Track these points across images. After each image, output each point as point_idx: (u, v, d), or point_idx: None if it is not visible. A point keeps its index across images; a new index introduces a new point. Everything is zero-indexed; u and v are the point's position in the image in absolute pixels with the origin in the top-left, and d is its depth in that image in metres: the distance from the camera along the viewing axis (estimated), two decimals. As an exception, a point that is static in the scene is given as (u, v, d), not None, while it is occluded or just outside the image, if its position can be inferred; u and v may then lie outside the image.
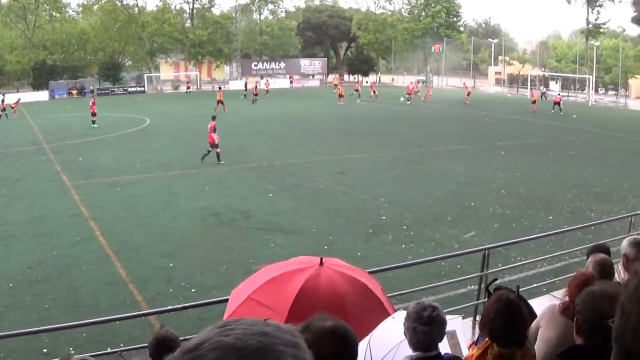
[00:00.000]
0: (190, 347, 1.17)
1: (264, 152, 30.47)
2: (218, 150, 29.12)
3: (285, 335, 1.20)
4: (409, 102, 64.67)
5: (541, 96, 67.60)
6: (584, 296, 3.42)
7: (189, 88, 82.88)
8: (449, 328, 6.42)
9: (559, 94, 62.29)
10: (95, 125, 42.81)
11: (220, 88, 60.52)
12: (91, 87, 78.92)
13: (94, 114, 43.48)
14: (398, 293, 9.73)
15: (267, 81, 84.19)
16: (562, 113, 54.46)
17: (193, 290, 13.82)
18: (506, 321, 4.51)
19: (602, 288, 3.48)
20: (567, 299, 5.35)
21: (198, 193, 23.54)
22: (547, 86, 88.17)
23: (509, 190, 23.86)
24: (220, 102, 53.17)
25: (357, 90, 71.59)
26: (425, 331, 4.27)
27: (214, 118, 30.09)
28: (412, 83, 78.09)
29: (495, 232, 18.25)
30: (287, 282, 5.21)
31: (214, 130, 29.23)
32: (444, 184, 24.94)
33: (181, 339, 5.72)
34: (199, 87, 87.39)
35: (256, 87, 67.10)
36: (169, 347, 5.41)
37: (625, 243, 6.83)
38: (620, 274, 7.33)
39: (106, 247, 17.09)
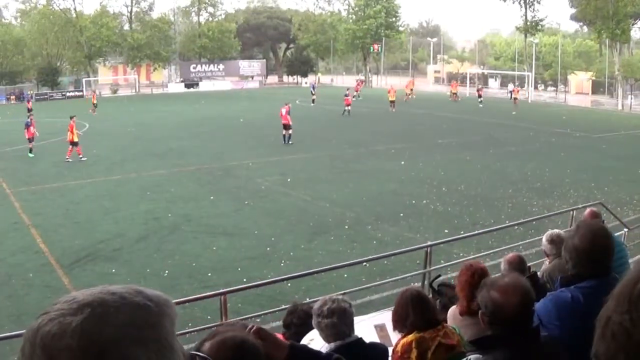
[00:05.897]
0: None
1: (203, 155, 30.21)
2: (290, 131, 34.96)
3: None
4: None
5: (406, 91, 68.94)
6: (480, 289, 3.56)
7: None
8: (378, 321, 6.54)
9: (480, 86, 65.86)
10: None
11: (94, 91, 66.71)
12: (28, 92, 77.08)
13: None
14: (342, 292, 9.71)
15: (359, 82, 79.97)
16: (481, 105, 58.89)
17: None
18: (420, 310, 4.76)
19: (493, 279, 3.66)
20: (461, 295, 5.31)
21: (139, 197, 23.21)
22: (486, 83, 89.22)
23: (449, 187, 24.11)
24: (94, 104, 56.65)
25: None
26: (328, 323, 4.44)
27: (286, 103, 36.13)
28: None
29: (437, 229, 18.41)
30: None
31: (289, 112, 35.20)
32: (385, 183, 25.11)
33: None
34: (137, 90, 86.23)
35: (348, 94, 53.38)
36: None
37: (543, 239, 6.89)
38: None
39: (48, 255, 16.73)
